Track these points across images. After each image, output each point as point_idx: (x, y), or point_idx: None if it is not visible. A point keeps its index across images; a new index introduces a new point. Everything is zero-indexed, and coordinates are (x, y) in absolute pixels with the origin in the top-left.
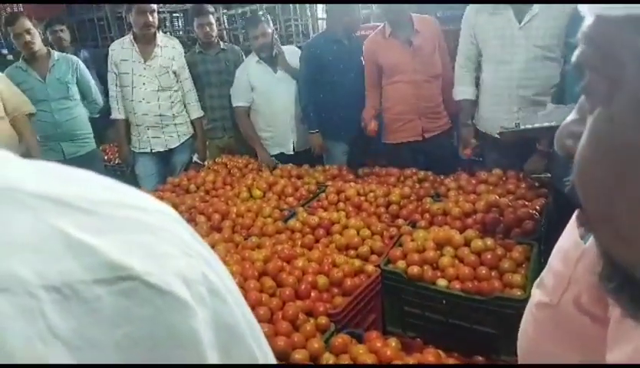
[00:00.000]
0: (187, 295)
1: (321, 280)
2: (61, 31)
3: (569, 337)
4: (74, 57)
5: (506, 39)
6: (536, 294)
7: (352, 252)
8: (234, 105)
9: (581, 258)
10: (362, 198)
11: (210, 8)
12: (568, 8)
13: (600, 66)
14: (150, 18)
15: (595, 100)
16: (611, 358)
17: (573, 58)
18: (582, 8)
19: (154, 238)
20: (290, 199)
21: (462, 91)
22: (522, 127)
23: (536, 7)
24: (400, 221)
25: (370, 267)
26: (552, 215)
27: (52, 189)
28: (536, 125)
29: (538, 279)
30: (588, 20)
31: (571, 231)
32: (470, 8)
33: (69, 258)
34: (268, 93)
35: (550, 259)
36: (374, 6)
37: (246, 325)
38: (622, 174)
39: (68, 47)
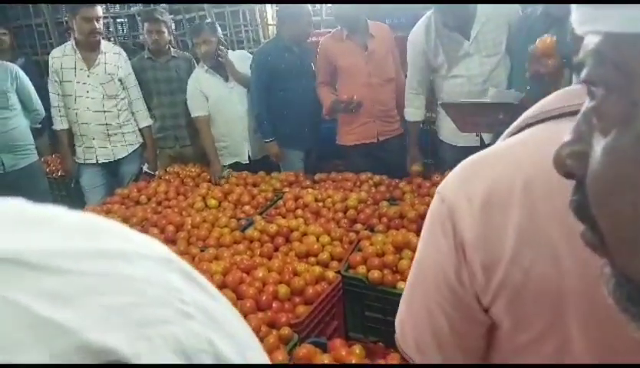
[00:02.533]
0: None
1: (283, 289)
2: (3, 34)
3: None
4: (14, 65)
5: (458, 57)
6: None
7: (312, 259)
8: (193, 116)
9: None
10: (320, 204)
11: (162, 14)
12: (509, 13)
13: (620, 86)
14: (97, 25)
15: (612, 121)
16: None
17: (582, 76)
18: (577, 24)
19: (137, 298)
20: (247, 208)
21: (413, 113)
22: (460, 101)
23: (479, 21)
24: (358, 225)
25: (331, 274)
26: None
27: (7, 245)
28: (473, 100)
29: None
30: (593, 37)
31: None
32: (415, 35)
33: (36, 347)
34: (221, 103)
35: None
36: (325, 13)
37: None
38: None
39: (6, 51)
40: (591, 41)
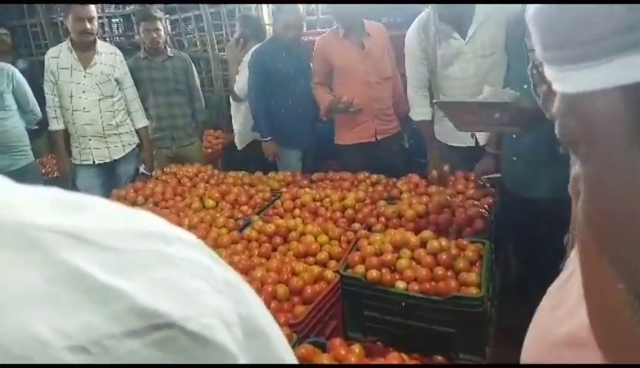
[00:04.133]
0: (229, 341)
1: (281, 289)
2: (5, 35)
3: None
4: (10, 66)
5: (454, 57)
6: None
7: (311, 259)
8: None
9: None
10: (318, 203)
11: (158, 13)
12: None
13: (581, 131)
14: (88, 25)
15: (580, 159)
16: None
17: (558, 135)
18: (555, 83)
19: (181, 272)
20: (244, 208)
21: (420, 112)
22: (458, 100)
23: (476, 21)
24: (356, 225)
25: (329, 273)
26: (500, 213)
27: (65, 222)
28: (468, 100)
29: None
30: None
31: None
32: (412, 33)
33: (92, 307)
34: None
35: None
36: (321, 12)
37: (285, 351)
38: (619, 220)
39: (8, 52)
40: (557, 98)
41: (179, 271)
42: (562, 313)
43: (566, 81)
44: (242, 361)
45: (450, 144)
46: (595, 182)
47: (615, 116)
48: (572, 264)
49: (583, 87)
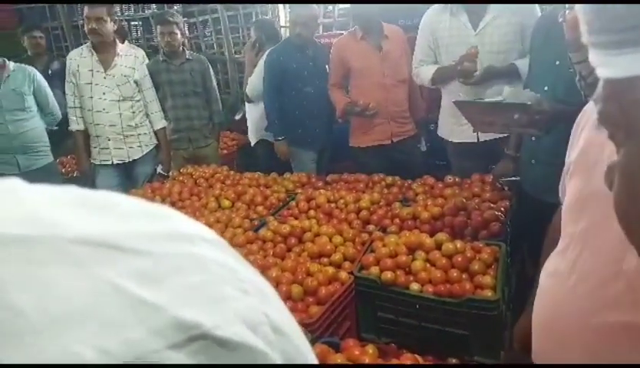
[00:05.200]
0: (259, 341)
1: (296, 289)
2: (40, 37)
3: None
4: (31, 68)
5: (462, 46)
6: None
7: (325, 260)
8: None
9: None
10: (333, 204)
11: (174, 17)
12: (523, 14)
13: (620, 118)
14: (95, 26)
15: (617, 148)
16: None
17: (598, 121)
18: (598, 67)
19: (209, 276)
20: (260, 208)
21: (424, 75)
22: (474, 99)
23: (490, 14)
24: (371, 226)
25: (343, 274)
26: (516, 217)
27: (95, 229)
28: (487, 100)
29: None
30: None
31: None
32: (432, 11)
33: (132, 323)
34: None
35: None
36: (337, 15)
37: (308, 350)
38: None
39: (43, 53)
40: (600, 83)
41: (208, 274)
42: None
43: (610, 66)
44: (275, 357)
45: (452, 140)
46: (629, 169)
47: None
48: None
49: (626, 72)
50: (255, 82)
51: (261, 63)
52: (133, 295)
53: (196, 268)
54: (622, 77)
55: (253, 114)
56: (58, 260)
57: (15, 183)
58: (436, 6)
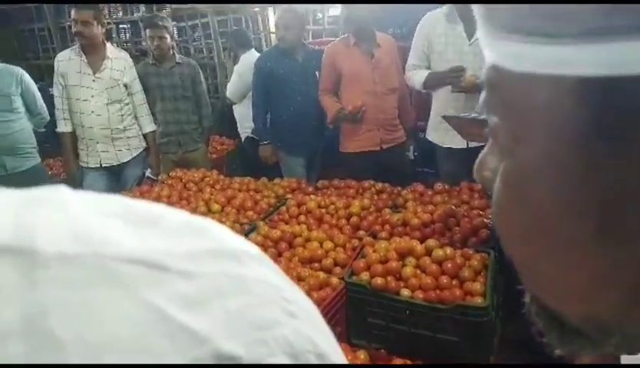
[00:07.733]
0: None
1: None
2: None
3: None
4: (19, 68)
5: (456, 54)
6: None
7: (316, 265)
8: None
9: None
10: (323, 210)
11: (163, 21)
12: None
13: (504, 118)
14: (81, 28)
15: (501, 150)
16: None
17: (480, 102)
18: (484, 48)
19: (254, 299)
20: (250, 213)
21: (417, 79)
22: (462, 115)
23: None
24: (361, 232)
25: (334, 280)
26: None
27: (142, 247)
28: (472, 116)
29: None
30: (488, 62)
31: None
32: (430, 15)
33: (175, 352)
34: None
35: None
36: (326, 22)
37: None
38: (532, 225)
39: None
40: (485, 67)
41: (253, 296)
42: None
43: (494, 50)
44: None
45: (443, 146)
46: (514, 179)
47: (560, 110)
48: None
49: (531, 67)
50: (231, 87)
51: (236, 68)
52: (175, 321)
53: (240, 290)
54: (524, 71)
55: (238, 113)
56: (106, 281)
57: (64, 193)
58: (434, 11)
